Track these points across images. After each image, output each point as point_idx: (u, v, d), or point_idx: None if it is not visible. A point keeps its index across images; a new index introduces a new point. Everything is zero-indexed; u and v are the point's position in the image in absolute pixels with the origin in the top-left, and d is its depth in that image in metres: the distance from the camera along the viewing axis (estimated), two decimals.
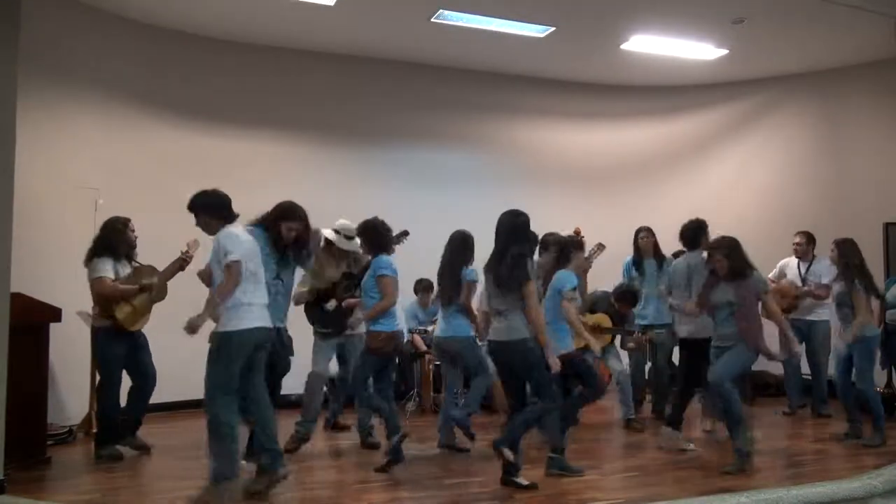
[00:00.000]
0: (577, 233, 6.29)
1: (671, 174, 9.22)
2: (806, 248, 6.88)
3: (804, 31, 7.36)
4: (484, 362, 5.52)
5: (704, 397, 6.10)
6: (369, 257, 5.15)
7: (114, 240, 5.28)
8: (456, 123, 8.66)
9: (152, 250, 5.55)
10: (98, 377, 5.35)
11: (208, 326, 4.11)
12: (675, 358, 7.56)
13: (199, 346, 4.23)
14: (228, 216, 4.21)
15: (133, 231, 5.40)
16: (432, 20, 7.05)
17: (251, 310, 4.07)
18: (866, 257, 5.76)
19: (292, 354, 4.99)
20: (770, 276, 6.75)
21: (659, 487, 4.46)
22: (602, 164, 9.18)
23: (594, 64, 8.46)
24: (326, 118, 8.11)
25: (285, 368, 4.85)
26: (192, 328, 3.99)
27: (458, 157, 8.69)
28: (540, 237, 5.30)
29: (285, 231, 4.59)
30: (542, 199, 8.10)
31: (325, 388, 5.67)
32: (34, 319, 4.94)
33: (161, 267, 5.44)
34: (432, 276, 5.66)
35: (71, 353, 5.77)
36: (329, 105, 8.11)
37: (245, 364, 4.06)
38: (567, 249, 5.21)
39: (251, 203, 5.79)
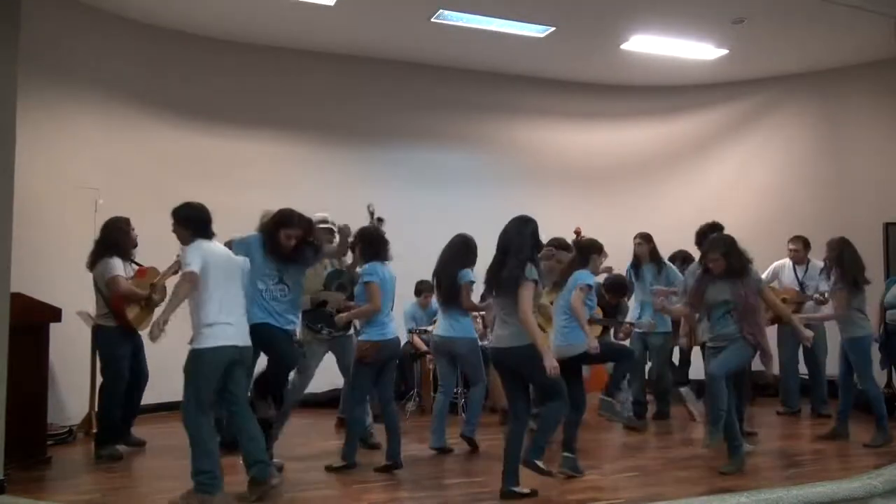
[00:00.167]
0: (578, 233, 6.28)
1: (671, 174, 9.22)
2: (803, 253, 6.87)
3: (804, 31, 7.36)
4: (482, 368, 5.56)
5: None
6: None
7: (119, 239, 5.29)
8: (456, 123, 8.66)
9: (152, 250, 5.55)
10: (101, 377, 5.34)
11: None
12: (675, 358, 7.61)
13: None
14: (204, 232, 4.18)
15: (133, 230, 5.42)
16: (432, 20, 7.05)
17: (225, 329, 4.04)
18: (866, 257, 5.76)
19: (303, 356, 5.02)
20: (762, 276, 6.73)
21: (659, 487, 4.46)
22: (602, 164, 9.17)
23: (594, 64, 8.46)
24: (326, 118, 8.11)
25: (291, 364, 4.85)
26: (151, 336, 3.96)
27: (458, 157, 8.69)
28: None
29: (284, 238, 4.58)
30: (542, 199, 8.10)
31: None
32: (34, 319, 4.94)
33: (161, 268, 5.45)
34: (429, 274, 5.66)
35: (71, 353, 5.76)
36: (329, 105, 8.11)
37: (222, 381, 4.06)
38: (587, 252, 5.19)
39: (251, 203, 5.80)
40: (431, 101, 8.52)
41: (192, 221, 4.18)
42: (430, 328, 7.23)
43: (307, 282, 5.13)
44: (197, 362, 3.99)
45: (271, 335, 4.59)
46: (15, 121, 4.29)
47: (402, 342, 7.13)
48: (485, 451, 5.39)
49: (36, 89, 5.83)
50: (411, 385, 7.31)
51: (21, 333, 4.46)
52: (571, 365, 4.77)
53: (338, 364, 5.61)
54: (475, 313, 5.87)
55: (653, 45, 7.72)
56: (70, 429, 5.78)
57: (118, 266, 5.21)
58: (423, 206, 7.81)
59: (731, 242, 4.94)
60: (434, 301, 6.06)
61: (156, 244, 5.58)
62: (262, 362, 4.72)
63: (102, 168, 6.67)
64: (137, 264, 5.48)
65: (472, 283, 5.35)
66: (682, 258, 6.80)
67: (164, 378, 5.49)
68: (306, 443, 5.67)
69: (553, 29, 7.32)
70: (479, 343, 5.67)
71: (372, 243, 5.03)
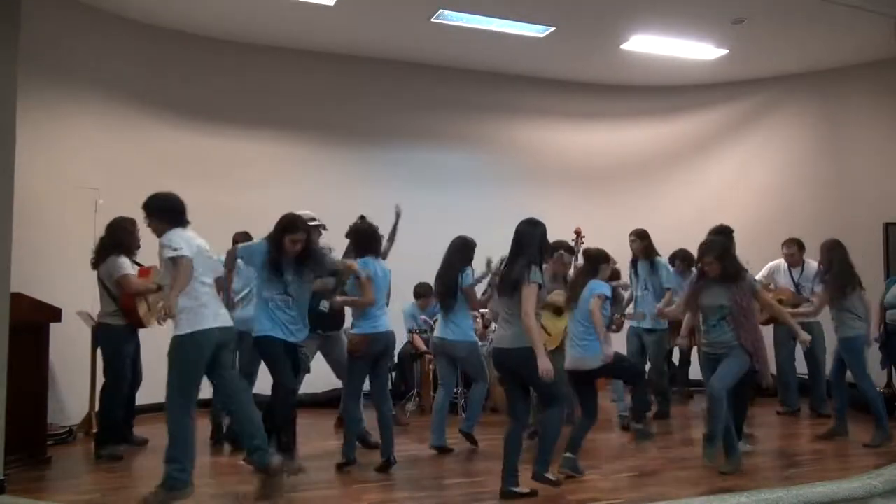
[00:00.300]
0: (578, 233, 6.28)
1: (671, 174, 9.22)
2: (798, 256, 6.88)
3: (804, 31, 7.36)
4: (485, 368, 5.59)
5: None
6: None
7: (124, 239, 5.30)
8: (456, 123, 8.67)
9: (152, 250, 5.52)
10: (102, 377, 5.33)
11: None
12: (675, 358, 7.61)
13: None
14: (180, 221, 4.17)
15: (138, 231, 5.42)
16: (432, 20, 7.05)
17: (206, 312, 4.04)
18: (866, 257, 5.77)
19: (308, 371, 5.04)
20: (758, 276, 6.73)
21: (659, 487, 4.46)
22: (602, 164, 9.18)
23: (594, 64, 8.46)
24: (326, 118, 8.11)
25: (290, 388, 4.74)
26: (162, 319, 4.00)
27: (458, 157, 8.69)
28: None
29: (290, 244, 4.54)
30: (542, 199, 8.10)
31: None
32: (34, 319, 4.94)
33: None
34: (432, 275, 5.66)
35: (71, 353, 5.77)
36: (329, 105, 8.12)
37: (211, 364, 4.05)
38: (595, 262, 5.19)
39: (251, 203, 5.81)
40: (431, 101, 8.53)
41: (168, 212, 4.17)
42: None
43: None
44: (184, 347, 3.97)
45: (276, 353, 4.58)
46: (15, 121, 4.29)
47: (403, 342, 7.20)
48: (485, 451, 5.39)
49: (36, 89, 5.83)
50: (411, 385, 7.31)
51: (21, 333, 4.46)
52: (585, 376, 4.82)
53: (328, 360, 5.67)
54: (475, 314, 5.89)
55: (653, 45, 7.72)
56: (70, 429, 5.79)
57: (127, 264, 5.23)
58: (423, 206, 7.79)
59: (725, 246, 4.86)
60: (433, 302, 6.08)
61: (156, 244, 5.56)
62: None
63: (102, 168, 6.67)
64: (138, 264, 5.48)
65: (475, 283, 5.44)
66: (682, 257, 6.80)
67: (164, 378, 5.49)
68: (306, 443, 5.66)
69: (553, 29, 7.32)
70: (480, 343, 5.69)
71: (364, 239, 5.06)
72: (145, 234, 5.48)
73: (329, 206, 5.96)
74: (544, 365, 4.02)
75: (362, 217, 5.49)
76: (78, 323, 5.59)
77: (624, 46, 7.77)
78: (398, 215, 6.02)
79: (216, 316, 4.09)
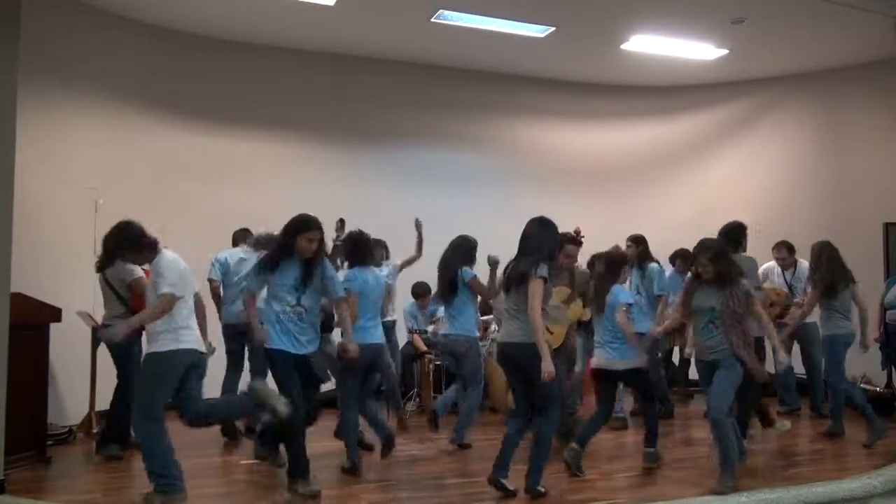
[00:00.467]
0: (578, 233, 6.26)
1: (671, 174, 9.22)
2: (789, 259, 6.89)
3: (804, 31, 7.36)
4: (481, 370, 5.55)
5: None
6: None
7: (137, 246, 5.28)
8: (456, 123, 8.67)
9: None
10: (116, 378, 5.31)
11: None
12: (675, 358, 7.60)
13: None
14: (151, 247, 4.17)
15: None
16: (432, 20, 7.05)
17: (188, 333, 4.10)
18: (866, 257, 5.78)
19: (328, 380, 4.93)
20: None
21: (659, 487, 4.46)
22: (602, 163, 9.18)
23: (594, 64, 8.46)
24: (326, 118, 8.11)
25: (298, 408, 4.48)
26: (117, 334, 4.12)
27: (459, 157, 8.69)
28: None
29: (306, 243, 4.33)
30: (542, 198, 8.07)
31: None
32: (34, 319, 4.93)
33: None
34: (432, 275, 5.66)
35: (71, 353, 5.76)
36: (329, 105, 8.11)
37: (179, 385, 4.07)
38: (617, 266, 5.17)
39: (251, 203, 5.80)
40: (431, 101, 8.53)
41: (134, 240, 4.17)
42: (429, 329, 7.25)
43: None
44: (160, 364, 4.01)
45: (287, 370, 4.32)
46: (15, 121, 4.29)
47: (402, 342, 7.20)
48: (485, 452, 5.38)
49: (36, 89, 5.82)
50: (411, 385, 7.31)
51: (21, 333, 4.47)
52: (611, 376, 4.91)
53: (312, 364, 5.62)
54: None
55: (653, 45, 7.72)
56: (70, 429, 5.79)
57: (138, 267, 5.19)
58: (423, 206, 7.77)
59: (720, 248, 4.63)
60: (432, 301, 6.07)
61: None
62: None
63: (102, 168, 6.67)
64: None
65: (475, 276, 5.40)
66: (682, 257, 6.80)
67: None
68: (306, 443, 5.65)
69: (553, 29, 7.32)
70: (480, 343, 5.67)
71: (357, 248, 5.00)
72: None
73: (329, 206, 5.94)
74: (547, 367, 4.04)
75: (341, 220, 5.41)
76: (78, 323, 5.60)
77: (624, 46, 7.77)
78: (419, 227, 6.00)
79: (195, 339, 4.15)
